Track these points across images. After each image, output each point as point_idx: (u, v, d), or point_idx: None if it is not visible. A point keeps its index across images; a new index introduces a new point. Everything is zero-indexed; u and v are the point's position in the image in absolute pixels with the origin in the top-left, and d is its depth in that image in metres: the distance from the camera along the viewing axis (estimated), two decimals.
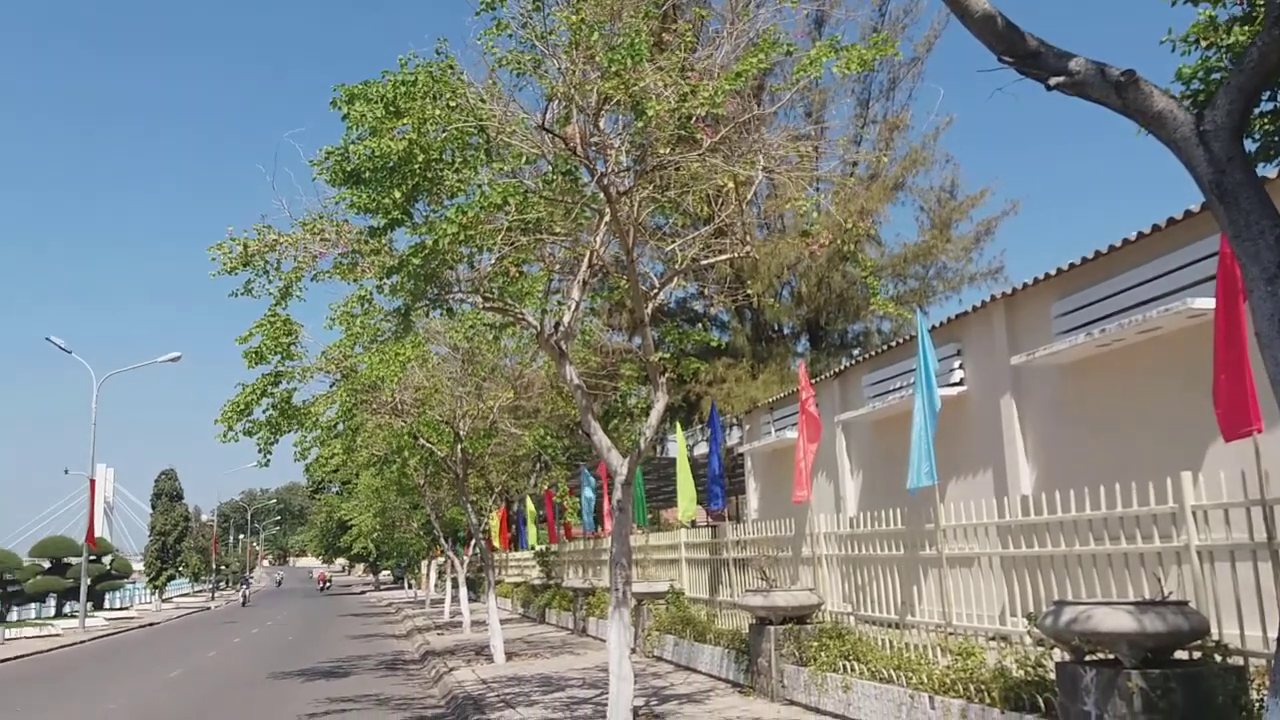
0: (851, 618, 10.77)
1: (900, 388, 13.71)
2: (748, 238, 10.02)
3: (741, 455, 20.99)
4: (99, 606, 38.17)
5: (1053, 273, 10.83)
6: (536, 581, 27.57)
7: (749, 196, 9.82)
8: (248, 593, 60.22)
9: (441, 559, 39.32)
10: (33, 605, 36.65)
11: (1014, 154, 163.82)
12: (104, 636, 31.07)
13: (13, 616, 34.15)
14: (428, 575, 49.42)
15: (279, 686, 16.17)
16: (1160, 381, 9.33)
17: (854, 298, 24.69)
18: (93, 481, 37.73)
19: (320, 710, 13.00)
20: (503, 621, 17.16)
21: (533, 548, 28.04)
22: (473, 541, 27.83)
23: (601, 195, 8.84)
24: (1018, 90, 4.76)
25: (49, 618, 35.60)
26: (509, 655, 16.50)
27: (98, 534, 37.32)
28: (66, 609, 37.11)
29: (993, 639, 8.39)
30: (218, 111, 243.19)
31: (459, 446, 16.72)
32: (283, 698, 14.63)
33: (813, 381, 12.81)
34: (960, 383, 12.64)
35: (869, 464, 15.30)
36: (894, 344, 14.73)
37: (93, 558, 36.54)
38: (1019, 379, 11.52)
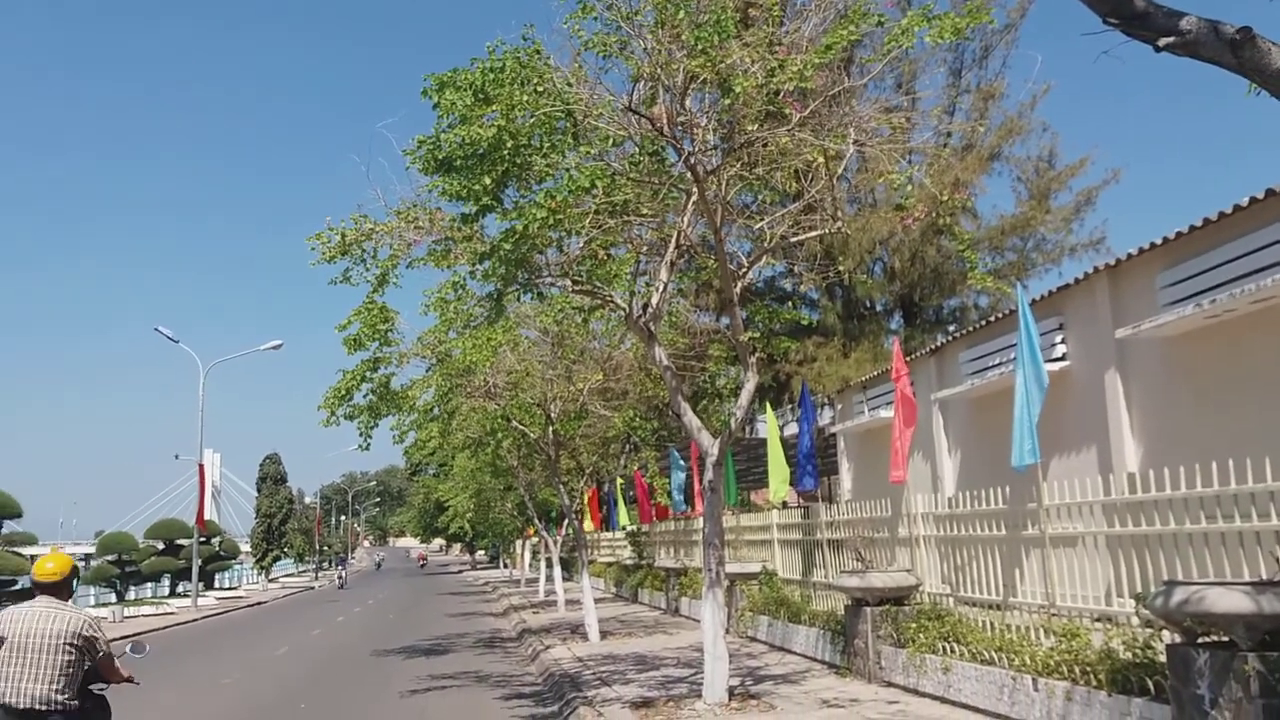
0: (950, 599, 10.58)
1: (1000, 364, 13.38)
2: (838, 213, 9.87)
3: (833, 435, 20.77)
4: (209, 586, 39.87)
5: (1158, 242, 10.41)
6: (628, 561, 27.80)
7: (839, 171, 9.67)
8: (344, 574, 57.72)
9: (535, 539, 39.97)
10: (149, 585, 38.50)
11: (1115, 120, 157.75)
12: (215, 615, 32.45)
13: (130, 595, 35.91)
14: (522, 555, 50.29)
15: (382, 663, 16.67)
16: (1274, 353, 8.90)
17: (949, 272, 24.16)
18: (201, 466, 39.32)
19: (422, 687, 13.36)
20: (596, 601, 17.36)
21: (624, 528, 28.26)
22: (565, 522, 28.20)
23: (689, 174, 8.82)
24: (1122, 53, 4.56)
25: (164, 596, 37.33)
26: (603, 634, 16.69)
27: (207, 517, 38.88)
28: (179, 588, 38.82)
29: (1098, 620, 8.15)
30: (317, 98, 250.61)
31: (550, 429, 16.92)
32: (386, 674, 15.08)
33: (908, 359, 12.58)
34: (1062, 358, 12.27)
35: (967, 442, 14.99)
36: (992, 319, 14.37)
37: (203, 540, 38.13)
38: (1124, 352, 11.13)
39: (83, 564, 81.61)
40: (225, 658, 18.96)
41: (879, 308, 26.33)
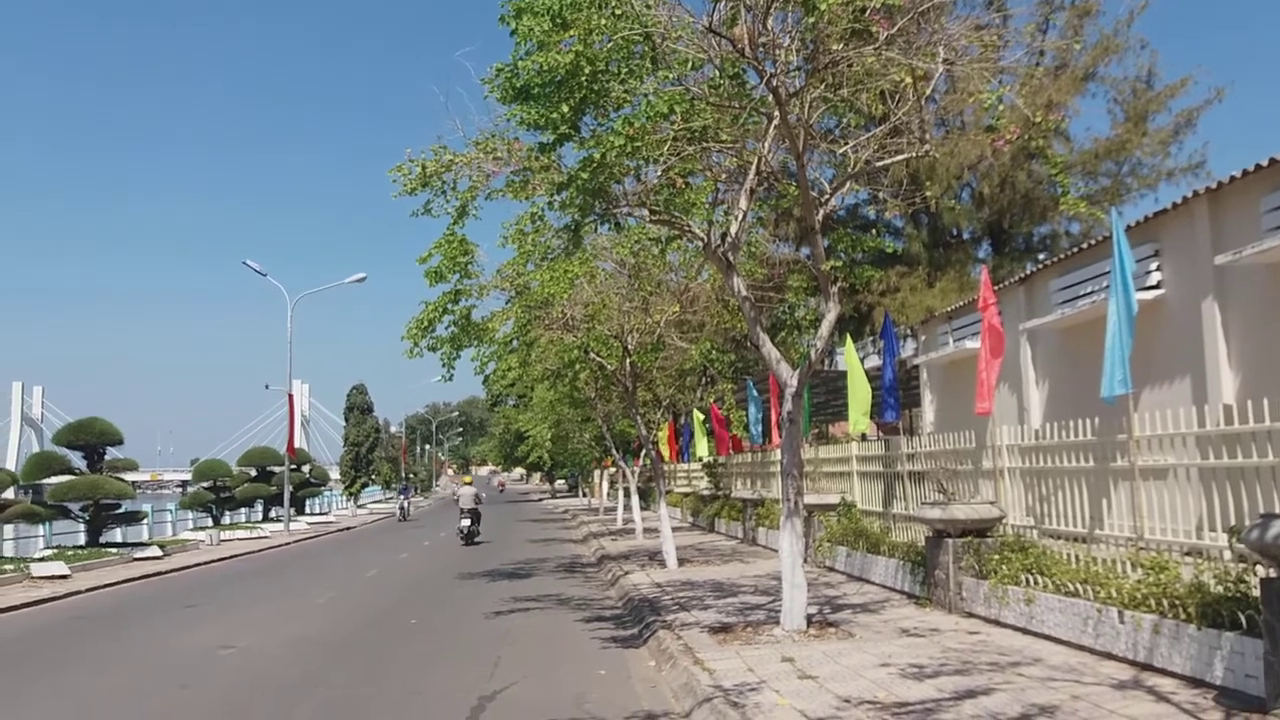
0: (1034, 531, 10.44)
1: (1091, 292, 12.97)
2: (926, 137, 9.55)
3: (916, 367, 20.47)
4: (300, 511, 41.33)
5: (1264, 164, 9.89)
6: (705, 492, 28.02)
7: (927, 92, 9.34)
8: (406, 504, 48.49)
9: (613, 469, 40.47)
10: (243, 510, 39.98)
11: (1218, 36, 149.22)
12: (306, 539, 33.69)
13: (226, 520, 37.39)
14: (600, 484, 51.07)
15: (467, 585, 17.17)
16: None
17: (1040, 198, 23.38)
18: (291, 396, 40.56)
19: (506, 608, 13.74)
20: (672, 530, 17.55)
21: (700, 459, 28.43)
22: (643, 452, 28.45)
23: (770, 98, 8.61)
24: None
25: (257, 521, 38.83)
26: (680, 561, 16.91)
27: (296, 445, 40.20)
28: (272, 513, 40.32)
29: (1187, 554, 7.97)
30: (392, 35, 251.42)
31: (627, 360, 16.99)
32: (471, 595, 15.54)
33: (996, 288, 12.25)
34: (1157, 285, 11.84)
35: (1055, 373, 14.64)
36: (1084, 246, 13.90)
37: (293, 467, 39.44)
38: (1223, 280, 10.68)
39: (179, 490, 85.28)
40: (316, 579, 19.74)
41: (966, 235, 25.66)
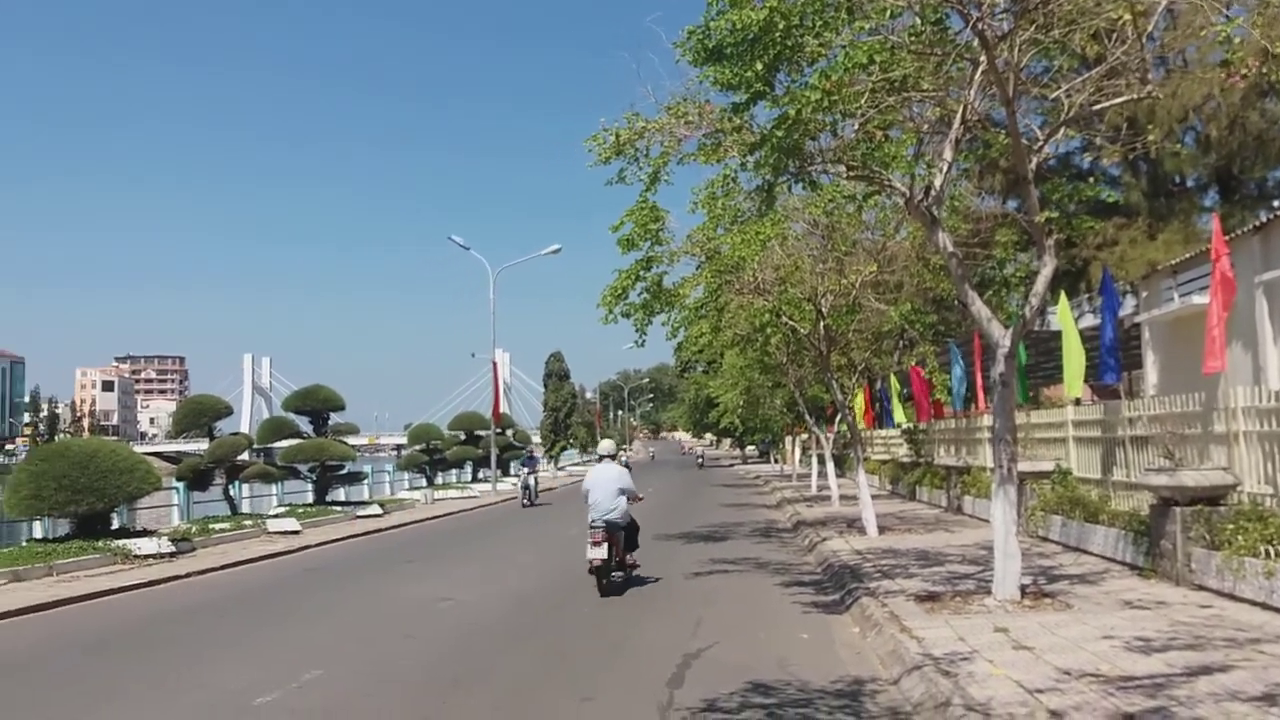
0: (1274, 500, 9.56)
1: None
2: (1146, 77, 8.82)
3: (1136, 325, 19.14)
4: (505, 473, 43.18)
5: None
6: (905, 459, 27.27)
7: (1147, 29, 8.61)
8: (534, 482, 32.42)
9: (805, 435, 40.02)
10: (453, 471, 42.21)
11: None
12: (511, 499, 35.16)
13: (438, 480, 39.57)
14: (792, 450, 50.63)
15: (664, 546, 17.46)
16: None
17: (1276, 139, 21.22)
18: (495, 364, 42.40)
19: (704, 569, 13.88)
20: (870, 497, 17.18)
21: (899, 425, 27.68)
22: (837, 418, 27.95)
23: (975, 42, 8.17)
24: None
25: (466, 482, 40.86)
26: (881, 529, 16.54)
27: (500, 410, 42.01)
28: (480, 474, 42.34)
29: None
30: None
31: (821, 323, 16.67)
32: (668, 555, 15.79)
33: (1227, 239, 11.22)
34: None
35: None
36: None
37: (498, 431, 41.24)
38: None
39: (394, 453, 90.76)
40: (522, 537, 20.58)
41: (1190, 183, 23.65)
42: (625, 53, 18.47)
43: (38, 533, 17.99)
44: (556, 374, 67.21)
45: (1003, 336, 9.22)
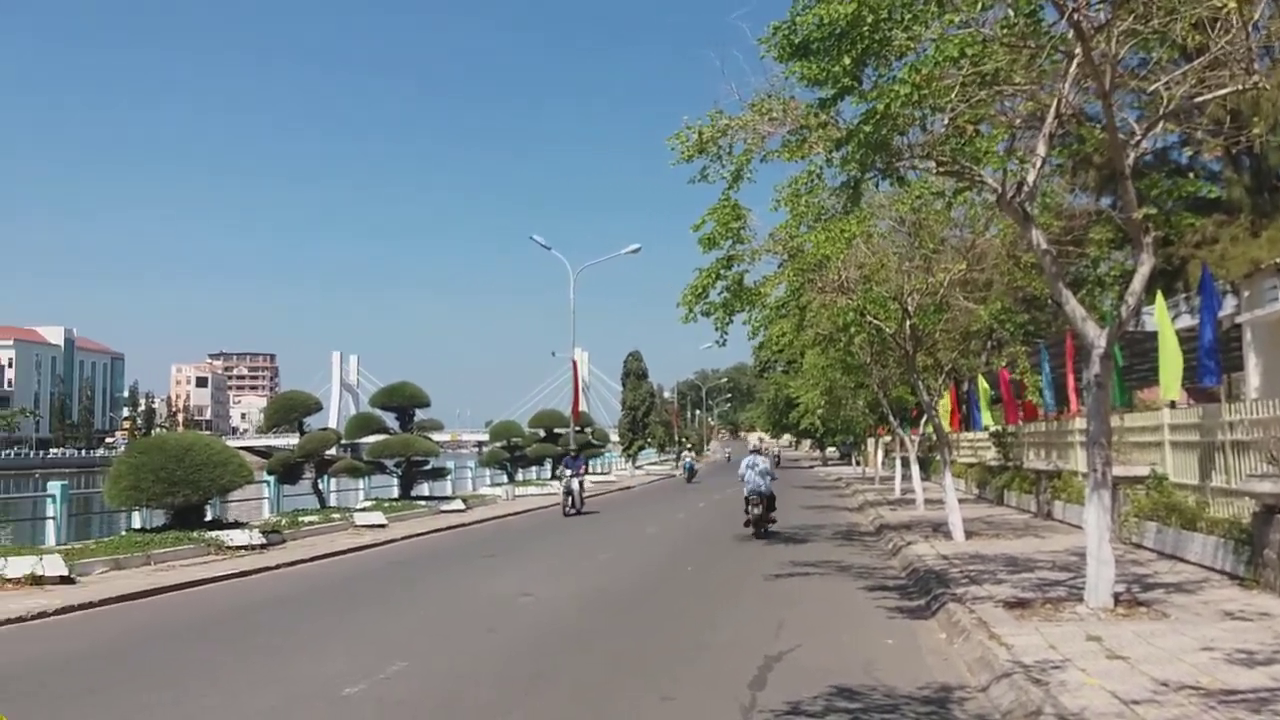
0: None
1: None
2: (1252, 68, 8.45)
3: (1237, 326, 18.39)
4: (551, 475, 43.42)
5: None
6: (993, 463, 26.64)
7: (1253, 17, 8.25)
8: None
9: (888, 437, 39.42)
10: (534, 468, 42.63)
11: None
12: (590, 496, 35.34)
13: (519, 477, 40.00)
14: (874, 453, 49.90)
15: (743, 547, 17.38)
16: None
17: None
18: (574, 362, 42.76)
19: (785, 572, 13.76)
20: (958, 501, 16.80)
21: (987, 428, 27.03)
22: (922, 420, 27.43)
23: (1070, 34, 7.94)
24: None
25: (546, 479, 41.22)
26: (968, 534, 16.17)
27: (579, 408, 42.31)
28: (558, 471, 42.72)
29: None
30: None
31: (907, 323, 16.36)
32: (748, 557, 15.70)
33: None
34: None
35: None
36: None
37: (577, 429, 41.54)
38: None
39: (476, 449, 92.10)
40: (600, 535, 20.68)
41: None
42: (710, 50, 18.39)
43: (136, 523, 18.68)
44: (634, 373, 67.48)
45: (1098, 337, 8.95)
